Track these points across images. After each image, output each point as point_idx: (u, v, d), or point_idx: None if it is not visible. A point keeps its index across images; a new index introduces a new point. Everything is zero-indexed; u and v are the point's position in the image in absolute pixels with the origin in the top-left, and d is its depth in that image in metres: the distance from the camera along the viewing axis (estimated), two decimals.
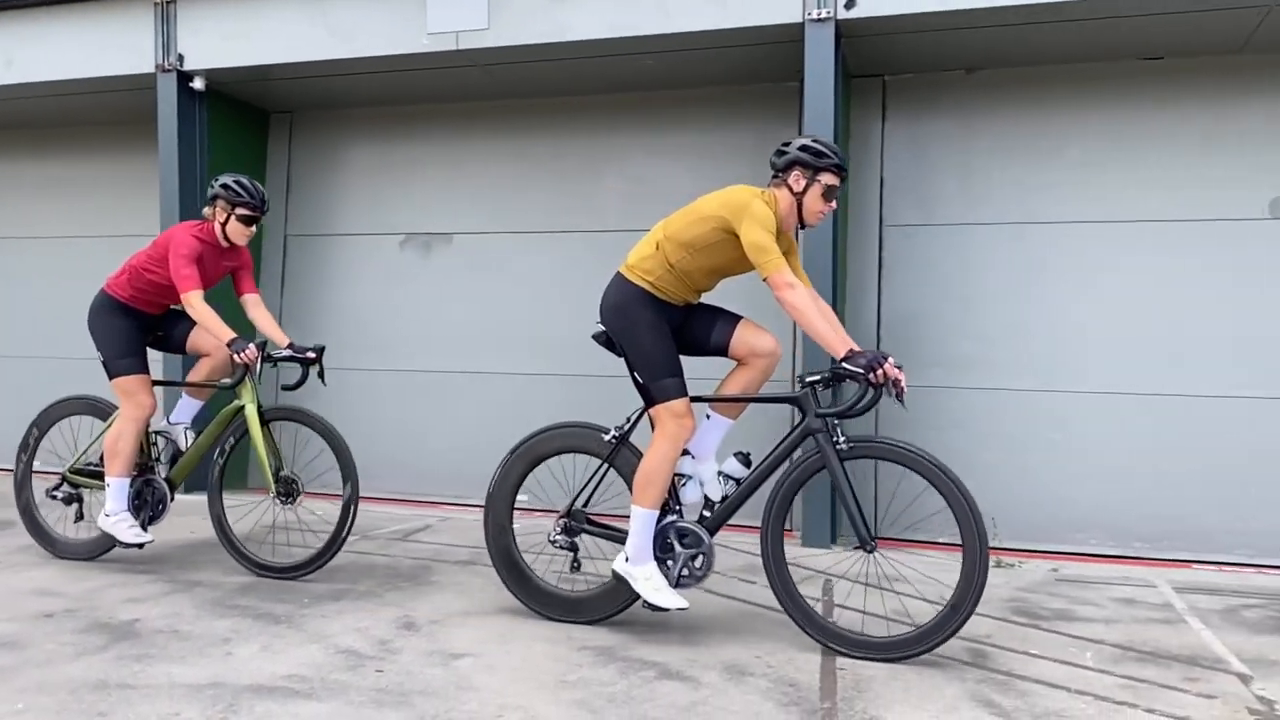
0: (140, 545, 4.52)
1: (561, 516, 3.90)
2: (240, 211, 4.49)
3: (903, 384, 3.30)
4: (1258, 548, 5.39)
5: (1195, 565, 5.32)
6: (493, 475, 4.02)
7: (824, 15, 5.46)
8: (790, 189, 3.62)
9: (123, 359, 4.55)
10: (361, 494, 4.47)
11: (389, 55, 6.23)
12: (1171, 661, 3.49)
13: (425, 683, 3.10)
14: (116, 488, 4.51)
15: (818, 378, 3.59)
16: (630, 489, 3.72)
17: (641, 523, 3.63)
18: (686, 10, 5.68)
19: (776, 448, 3.68)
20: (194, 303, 4.33)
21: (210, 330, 4.36)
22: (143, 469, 4.66)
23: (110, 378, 4.56)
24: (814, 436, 3.59)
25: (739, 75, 6.39)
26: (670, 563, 3.65)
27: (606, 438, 3.83)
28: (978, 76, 6.17)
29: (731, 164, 6.52)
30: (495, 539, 3.98)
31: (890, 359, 3.30)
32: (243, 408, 4.48)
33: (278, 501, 4.40)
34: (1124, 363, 5.78)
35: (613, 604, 3.79)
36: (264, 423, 4.45)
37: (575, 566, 3.87)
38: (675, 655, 3.43)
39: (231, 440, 4.58)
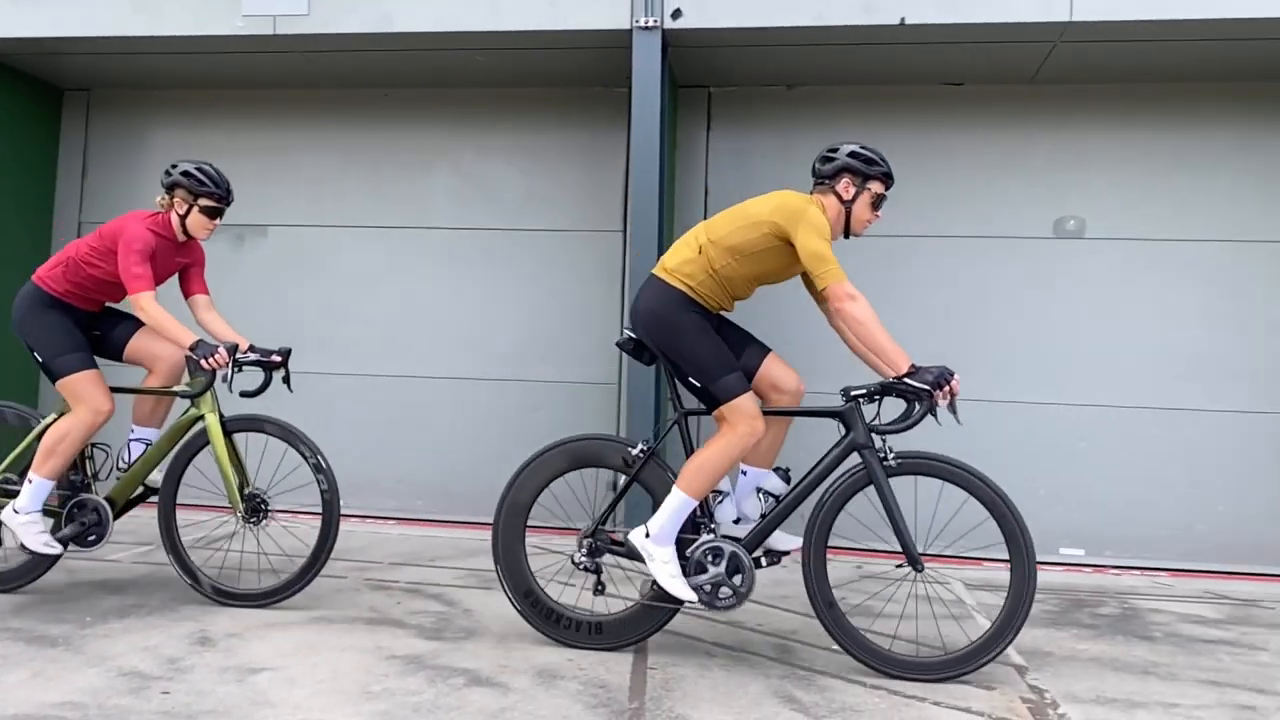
0: (48, 558, 4.05)
1: (586, 536, 3.62)
2: (204, 203, 4.06)
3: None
4: (1040, 546, 5.83)
5: (986, 563, 5.69)
6: (503, 492, 3.69)
7: (651, 23, 5.53)
8: (839, 197, 3.56)
9: (67, 355, 4.01)
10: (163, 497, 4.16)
11: (199, 36, 5.88)
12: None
13: (216, 702, 2.93)
14: (38, 488, 3.98)
15: (863, 391, 3.48)
16: (655, 507, 3.55)
17: (678, 506, 3.43)
18: (517, 9, 5.63)
19: (819, 463, 3.54)
20: (147, 306, 3.87)
21: (168, 335, 3.89)
22: (75, 486, 4.11)
23: (55, 379, 4.03)
24: (860, 452, 3.47)
25: (571, 78, 6.39)
26: (705, 584, 3.44)
27: (634, 451, 3.59)
28: (798, 92, 6.40)
29: (564, 166, 6.54)
30: (507, 562, 3.64)
31: (956, 374, 3.30)
32: (200, 418, 4.02)
33: (243, 522, 3.99)
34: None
35: (640, 628, 3.57)
36: (226, 434, 4.02)
37: (599, 589, 3.60)
38: (487, 661, 3.39)
39: (187, 456, 4.10)
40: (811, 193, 3.63)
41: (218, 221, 4.15)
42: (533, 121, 6.59)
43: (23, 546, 3.98)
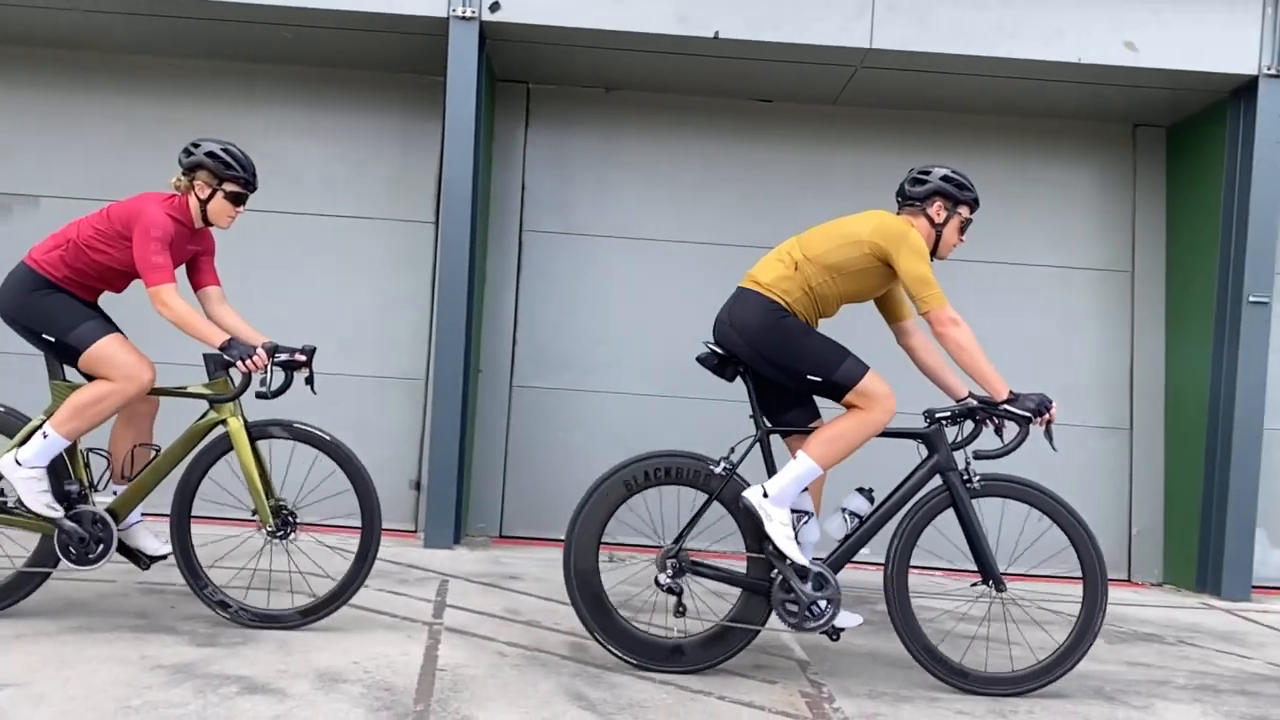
0: (52, 522, 3.56)
1: (668, 556, 3.48)
2: (229, 188, 3.68)
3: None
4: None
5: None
6: (576, 509, 3.53)
7: (469, 14, 5.44)
8: (930, 220, 3.58)
9: (85, 323, 3.58)
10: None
11: None
12: (747, 650, 3.82)
13: None
14: (51, 444, 3.54)
15: (947, 414, 3.52)
16: (739, 526, 3.48)
17: (803, 472, 3.40)
18: None
19: (902, 484, 3.53)
20: (170, 300, 3.50)
21: (196, 333, 3.54)
22: (70, 497, 3.63)
23: (77, 355, 3.57)
24: (944, 474, 3.49)
25: (386, 63, 6.20)
26: (793, 605, 3.39)
27: (717, 470, 3.47)
28: (616, 96, 6.46)
29: (374, 153, 6.34)
30: (579, 581, 3.49)
31: (1054, 402, 3.38)
32: (220, 423, 3.65)
33: (268, 536, 3.66)
34: None
35: (720, 650, 3.48)
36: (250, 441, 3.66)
37: (680, 611, 3.46)
38: (265, 667, 3.21)
39: (205, 464, 3.71)
40: (899, 213, 3.63)
41: (241, 209, 3.78)
42: (343, 105, 6.35)
43: (18, 505, 3.58)
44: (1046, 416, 3.39)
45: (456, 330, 5.58)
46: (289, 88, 6.34)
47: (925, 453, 3.55)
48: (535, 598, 4.35)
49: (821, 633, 3.47)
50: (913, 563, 3.52)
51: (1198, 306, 6.05)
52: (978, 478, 3.49)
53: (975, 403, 3.50)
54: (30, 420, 3.64)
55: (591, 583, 3.49)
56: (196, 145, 3.70)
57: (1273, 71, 5.59)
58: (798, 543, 3.41)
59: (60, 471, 3.63)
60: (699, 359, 3.65)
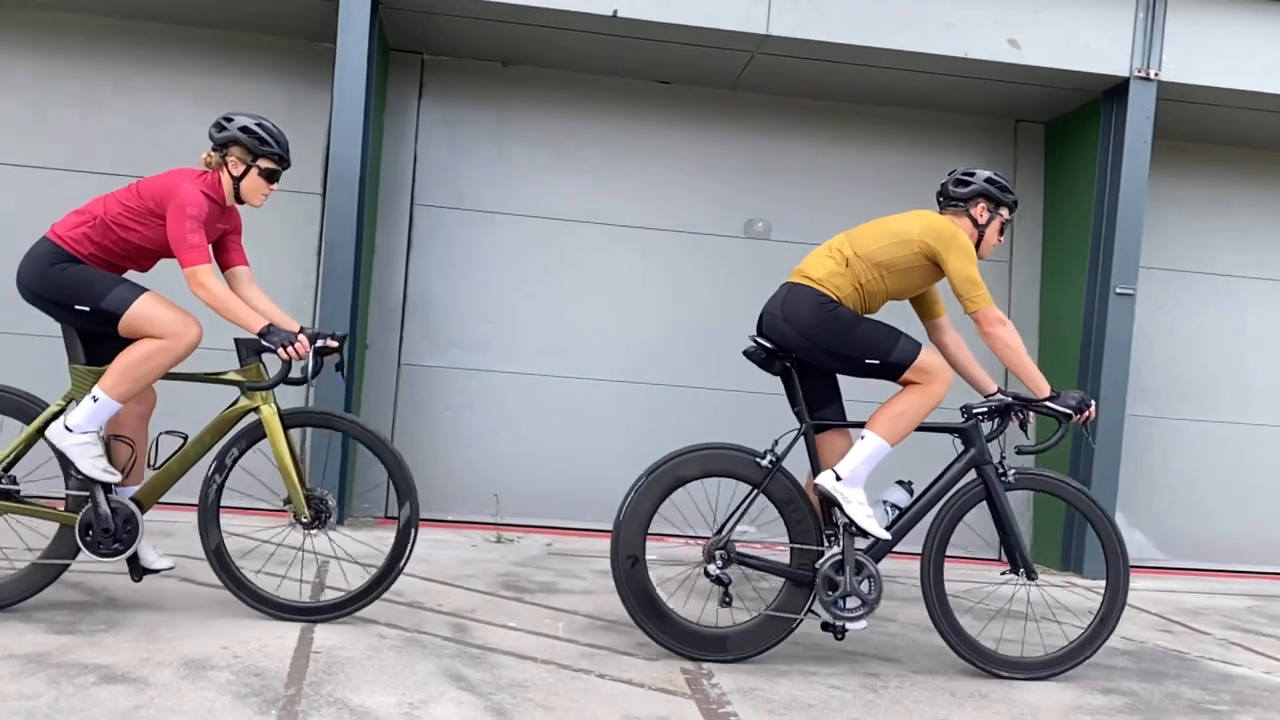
0: (107, 487, 3.41)
1: (716, 547, 3.49)
2: (264, 164, 3.58)
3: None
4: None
5: (671, 539, 5.97)
6: (624, 499, 3.52)
7: None
8: (974, 220, 3.66)
9: (118, 287, 3.42)
10: None
11: None
12: (629, 628, 3.84)
13: None
14: (102, 407, 3.38)
15: (984, 410, 3.64)
16: (783, 518, 3.55)
17: (873, 451, 3.47)
18: None
19: (940, 477, 3.62)
20: (208, 283, 3.39)
21: (235, 318, 3.42)
22: (94, 485, 3.43)
23: (120, 314, 3.39)
24: (980, 468, 3.60)
25: (271, 24, 5.96)
26: (833, 594, 3.45)
27: (763, 462, 3.51)
28: (514, 71, 6.36)
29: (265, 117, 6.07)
30: (626, 570, 3.48)
31: (1093, 401, 3.57)
32: (252, 410, 3.53)
33: (301, 527, 3.56)
34: (623, 352, 6.33)
35: (765, 639, 3.53)
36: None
37: (726, 601, 3.48)
38: (127, 655, 3.08)
39: (235, 452, 3.57)
40: (942, 213, 3.71)
41: (275, 187, 3.66)
42: (227, 66, 6.08)
43: (75, 470, 3.40)
44: (1087, 413, 3.58)
45: (342, 305, 5.43)
46: (180, 49, 6.04)
47: (961, 447, 3.66)
48: (419, 579, 4.29)
49: (827, 629, 3.56)
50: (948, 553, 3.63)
51: (1070, 297, 6.33)
52: (1012, 471, 3.63)
53: (1009, 399, 3.66)
54: (49, 406, 3.47)
55: (638, 571, 3.50)
56: (229, 120, 3.58)
57: (1143, 74, 5.86)
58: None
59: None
60: (746, 354, 3.69)
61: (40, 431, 3.45)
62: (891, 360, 3.51)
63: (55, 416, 3.44)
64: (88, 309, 3.42)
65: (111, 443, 3.54)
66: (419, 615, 3.81)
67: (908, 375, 3.53)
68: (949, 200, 3.74)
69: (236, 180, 3.59)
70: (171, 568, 3.67)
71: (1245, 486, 6.71)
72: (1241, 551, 6.69)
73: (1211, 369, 6.80)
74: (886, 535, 3.50)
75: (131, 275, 3.59)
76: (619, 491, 3.62)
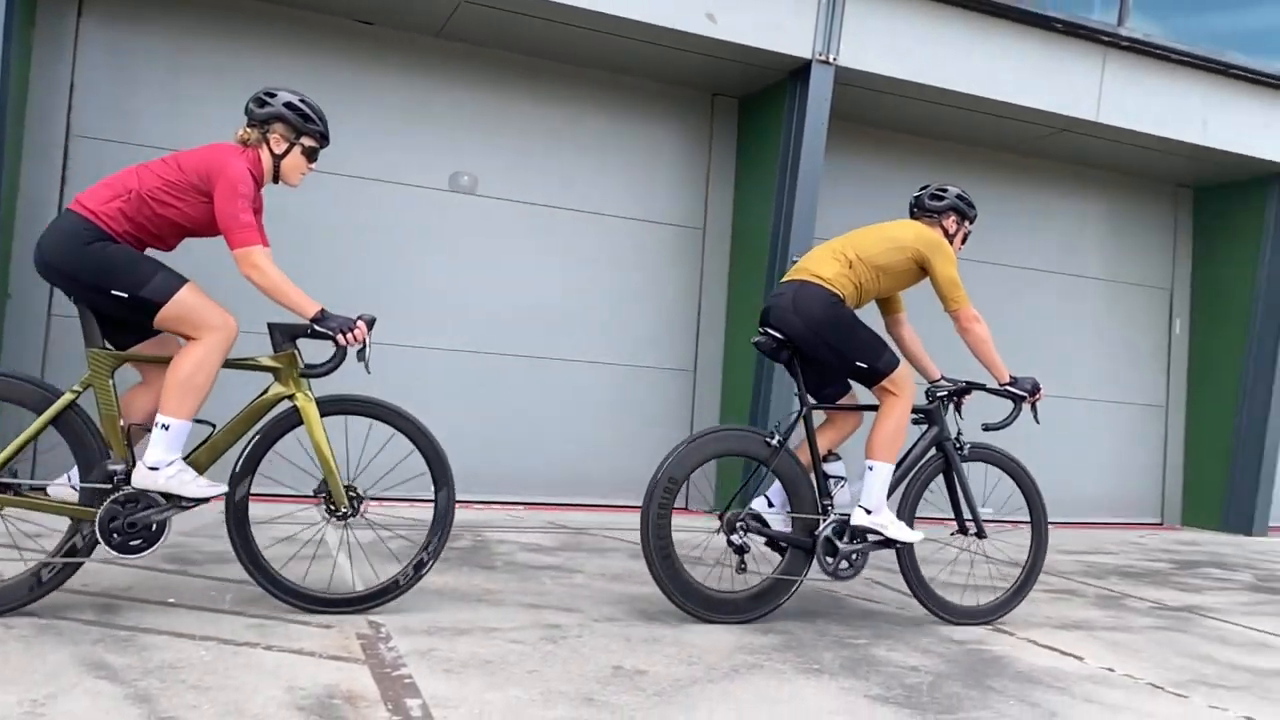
0: (208, 500, 3.31)
1: (738, 519, 3.89)
2: (307, 142, 3.51)
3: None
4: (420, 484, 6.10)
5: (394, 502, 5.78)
6: (654, 473, 3.79)
7: None
8: (945, 230, 4.18)
9: (159, 273, 3.25)
10: None
11: None
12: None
13: None
14: (177, 431, 3.24)
15: (945, 393, 4.17)
16: (786, 490, 3.94)
17: (885, 477, 3.93)
18: None
19: (909, 452, 4.09)
20: (263, 264, 3.27)
21: (290, 301, 3.31)
22: (118, 479, 3.23)
23: (160, 304, 3.23)
24: (941, 444, 4.13)
25: None
26: (832, 558, 3.91)
27: (773, 441, 3.86)
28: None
29: None
30: (657, 545, 3.76)
31: (1042, 385, 4.19)
32: (287, 397, 3.44)
33: (336, 517, 3.51)
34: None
35: (773, 600, 3.91)
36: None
37: (742, 568, 3.88)
38: None
39: (266, 447, 3.45)
40: (915, 218, 4.23)
41: (314, 166, 3.57)
42: None
43: (182, 500, 3.27)
44: (1037, 396, 4.17)
45: None
46: None
47: (925, 426, 4.16)
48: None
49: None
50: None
51: (754, 264, 6.75)
52: (967, 446, 4.17)
53: (965, 384, 4.22)
54: (63, 394, 3.21)
55: (665, 542, 3.77)
56: (272, 95, 3.45)
57: (823, 58, 6.32)
58: (834, 503, 4.00)
59: (101, 450, 3.25)
60: (756, 344, 4.04)
61: (51, 422, 3.20)
62: (878, 367, 3.95)
63: (70, 405, 3.20)
64: (125, 295, 3.20)
65: (132, 431, 3.34)
66: (58, 598, 3.42)
67: (885, 384, 3.98)
68: (923, 211, 4.25)
69: (278, 158, 3.48)
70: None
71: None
72: None
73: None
74: (920, 537, 3.99)
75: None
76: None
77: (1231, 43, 7.55)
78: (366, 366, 3.41)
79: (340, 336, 3.32)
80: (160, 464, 3.22)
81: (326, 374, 3.39)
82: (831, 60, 6.34)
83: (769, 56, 6.33)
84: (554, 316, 6.63)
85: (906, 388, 3.99)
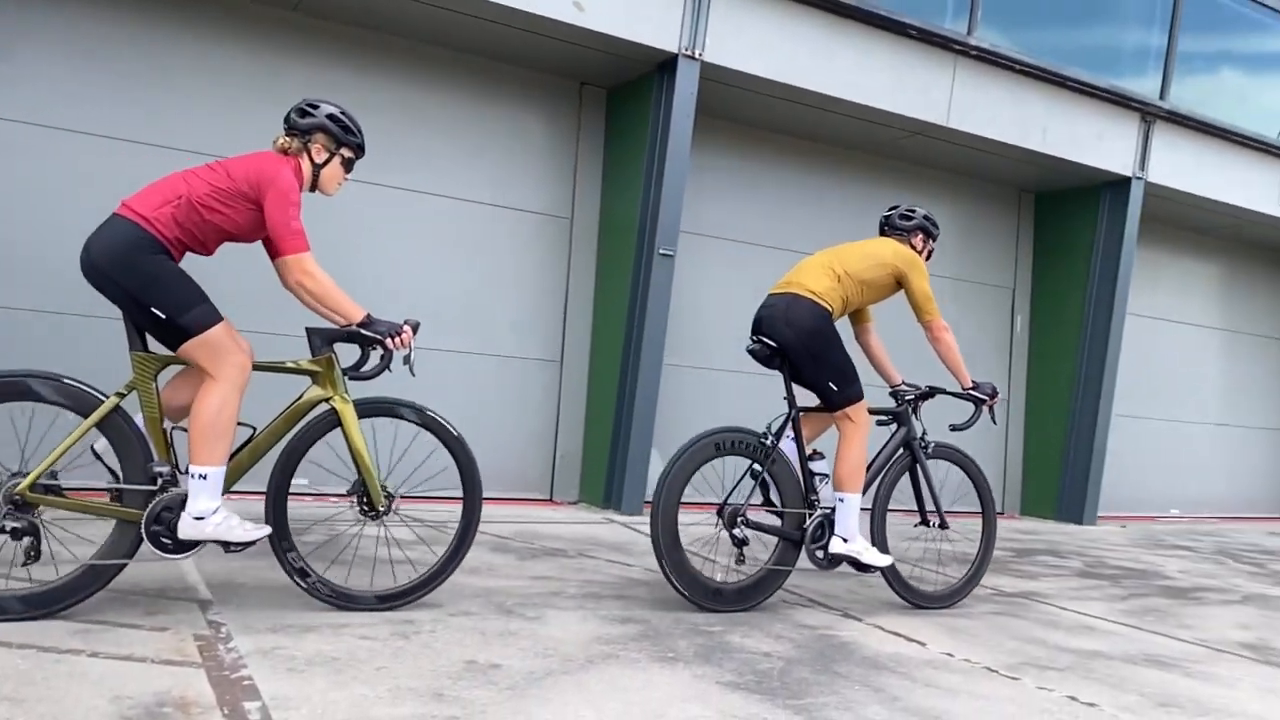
0: (254, 543, 3.34)
1: (739, 515, 4.11)
2: (346, 153, 3.61)
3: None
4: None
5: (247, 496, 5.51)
6: (661, 478, 4.02)
7: None
8: (914, 248, 4.52)
9: (200, 304, 3.25)
10: None
11: None
12: (140, 597, 3.49)
13: None
14: (215, 478, 3.25)
15: (912, 396, 4.58)
16: (777, 487, 4.20)
17: (853, 506, 4.19)
18: None
19: (881, 452, 4.46)
20: (315, 270, 3.36)
21: (337, 307, 3.41)
22: (161, 479, 3.26)
23: (184, 338, 3.23)
24: (909, 443, 4.52)
25: None
26: (820, 552, 4.24)
27: (767, 442, 4.15)
28: None
29: None
30: (666, 542, 3.99)
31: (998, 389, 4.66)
32: (324, 401, 3.54)
33: (365, 516, 3.66)
34: None
35: (766, 589, 4.21)
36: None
37: (741, 560, 4.13)
38: None
39: (303, 452, 3.55)
40: (884, 235, 4.58)
41: (349, 176, 3.69)
42: None
43: (231, 545, 3.34)
44: (995, 399, 4.59)
45: None
46: None
47: (895, 427, 4.54)
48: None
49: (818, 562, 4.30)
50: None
51: (621, 255, 6.76)
52: (931, 445, 4.55)
53: (928, 388, 4.60)
54: (107, 399, 3.22)
55: (674, 534, 4.01)
56: (315, 107, 3.55)
57: (689, 53, 6.37)
58: (820, 498, 4.28)
59: (145, 452, 3.29)
60: (750, 352, 4.26)
61: (96, 425, 3.21)
62: (847, 394, 4.23)
63: (115, 409, 3.22)
64: (163, 316, 3.23)
65: (172, 434, 3.39)
66: None
67: (849, 412, 4.24)
68: (893, 229, 4.57)
69: (318, 167, 3.57)
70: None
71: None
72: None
73: (735, 326, 7.65)
74: (890, 561, 4.31)
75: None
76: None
77: (1071, 57, 8.01)
78: (411, 370, 3.50)
79: (389, 341, 3.43)
80: (205, 513, 3.27)
81: (373, 378, 3.50)
82: (697, 55, 6.39)
83: (636, 49, 6.33)
84: (413, 304, 6.46)
85: (864, 419, 4.29)
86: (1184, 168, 8.66)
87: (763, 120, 7.53)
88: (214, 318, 3.31)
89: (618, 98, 7.04)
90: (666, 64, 6.46)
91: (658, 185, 6.48)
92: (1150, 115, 8.40)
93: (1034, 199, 9.24)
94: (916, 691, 3.25)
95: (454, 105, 6.61)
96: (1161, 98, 8.43)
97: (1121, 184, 8.44)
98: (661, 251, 6.43)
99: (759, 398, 8.09)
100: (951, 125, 7.43)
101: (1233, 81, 9.42)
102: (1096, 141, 8.18)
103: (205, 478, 3.26)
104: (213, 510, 3.28)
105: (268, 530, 3.42)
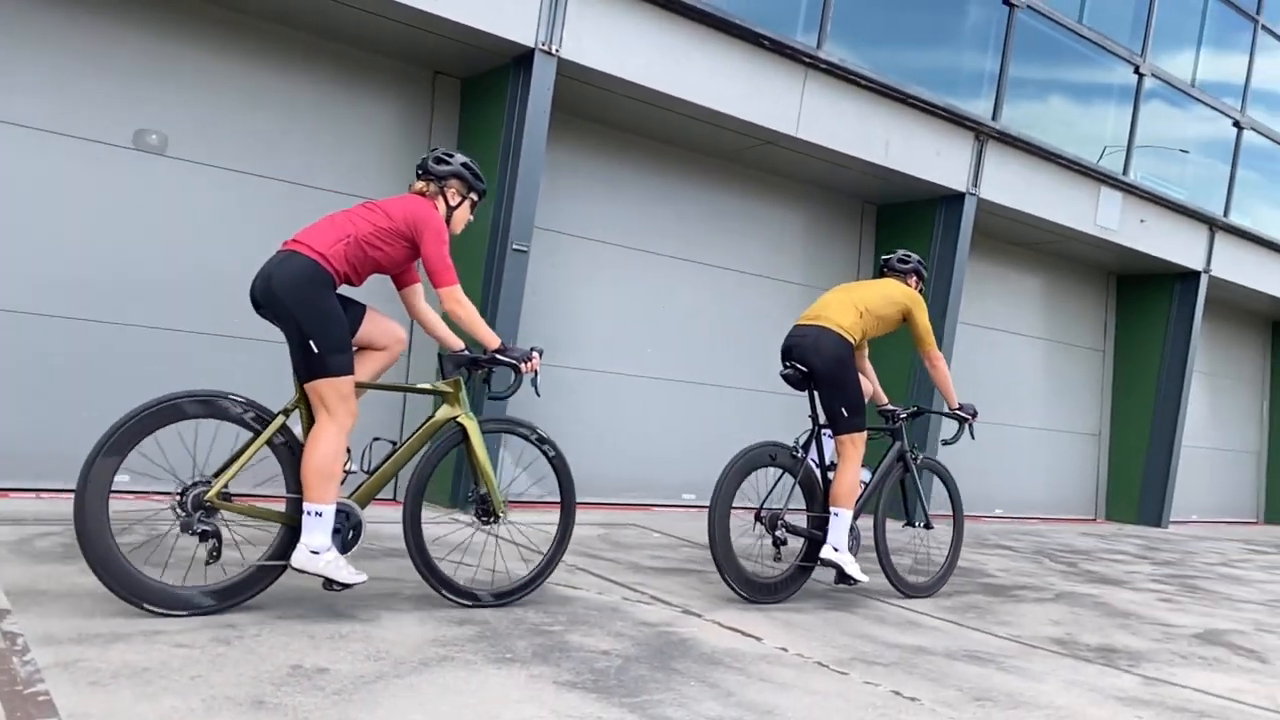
0: (354, 586, 3.64)
1: (779, 518, 4.62)
2: (474, 197, 4.06)
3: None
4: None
5: (12, 494, 5.11)
6: (716, 487, 4.49)
7: None
8: (912, 287, 5.18)
9: (345, 353, 3.61)
10: None
11: None
12: None
13: None
14: (329, 515, 3.57)
15: (905, 415, 5.27)
16: (804, 493, 4.79)
17: (846, 521, 4.73)
18: None
19: (879, 464, 5.14)
20: (464, 300, 3.81)
21: (478, 333, 3.89)
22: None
23: (322, 375, 3.55)
24: (903, 456, 5.22)
25: None
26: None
27: (798, 454, 4.72)
28: None
29: None
30: (722, 545, 4.48)
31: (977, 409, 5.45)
32: (453, 419, 3.96)
33: (482, 524, 4.10)
34: None
35: (795, 585, 4.77)
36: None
37: (777, 558, 4.68)
38: None
39: (438, 458, 3.95)
40: (884, 275, 5.26)
41: (472, 218, 4.12)
42: None
43: (329, 584, 3.61)
44: (976, 418, 5.34)
45: None
46: None
47: (891, 441, 5.23)
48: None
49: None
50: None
51: (474, 250, 6.64)
52: (920, 457, 5.28)
53: (917, 407, 5.38)
54: (276, 418, 3.59)
55: (725, 536, 4.49)
56: (451, 156, 3.98)
57: (546, 48, 6.31)
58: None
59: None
60: (784, 377, 4.81)
61: (267, 441, 3.56)
62: (855, 421, 4.77)
63: (283, 426, 3.58)
64: (316, 351, 3.51)
65: (374, 443, 3.83)
66: None
67: (850, 438, 4.75)
68: (892, 271, 5.23)
69: (451, 209, 3.98)
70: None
71: (612, 427, 7.72)
72: (605, 481, 7.68)
73: (586, 322, 7.65)
74: (866, 580, 4.83)
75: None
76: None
77: (914, 76, 8.37)
78: (537, 390, 3.99)
79: (523, 366, 3.89)
80: (321, 549, 3.56)
81: (508, 397, 4.01)
82: (554, 51, 6.35)
83: (491, 40, 6.23)
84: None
85: (862, 448, 4.81)
86: (1013, 185, 9.20)
87: (620, 121, 7.55)
88: (351, 367, 3.63)
89: (472, 89, 6.92)
90: (523, 58, 6.39)
91: (511, 181, 6.40)
92: (983, 134, 8.88)
93: (876, 210, 9.61)
94: (751, 687, 3.31)
95: (297, 87, 6.35)
96: (994, 118, 8.92)
97: (956, 199, 8.88)
98: (515, 247, 6.35)
99: (612, 395, 8.17)
100: (801, 135, 7.64)
101: (1059, 107, 10.08)
102: (934, 158, 8.58)
103: (320, 515, 3.56)
104: (327, 547, 3.58)
105: (364, 577, 3.67)
